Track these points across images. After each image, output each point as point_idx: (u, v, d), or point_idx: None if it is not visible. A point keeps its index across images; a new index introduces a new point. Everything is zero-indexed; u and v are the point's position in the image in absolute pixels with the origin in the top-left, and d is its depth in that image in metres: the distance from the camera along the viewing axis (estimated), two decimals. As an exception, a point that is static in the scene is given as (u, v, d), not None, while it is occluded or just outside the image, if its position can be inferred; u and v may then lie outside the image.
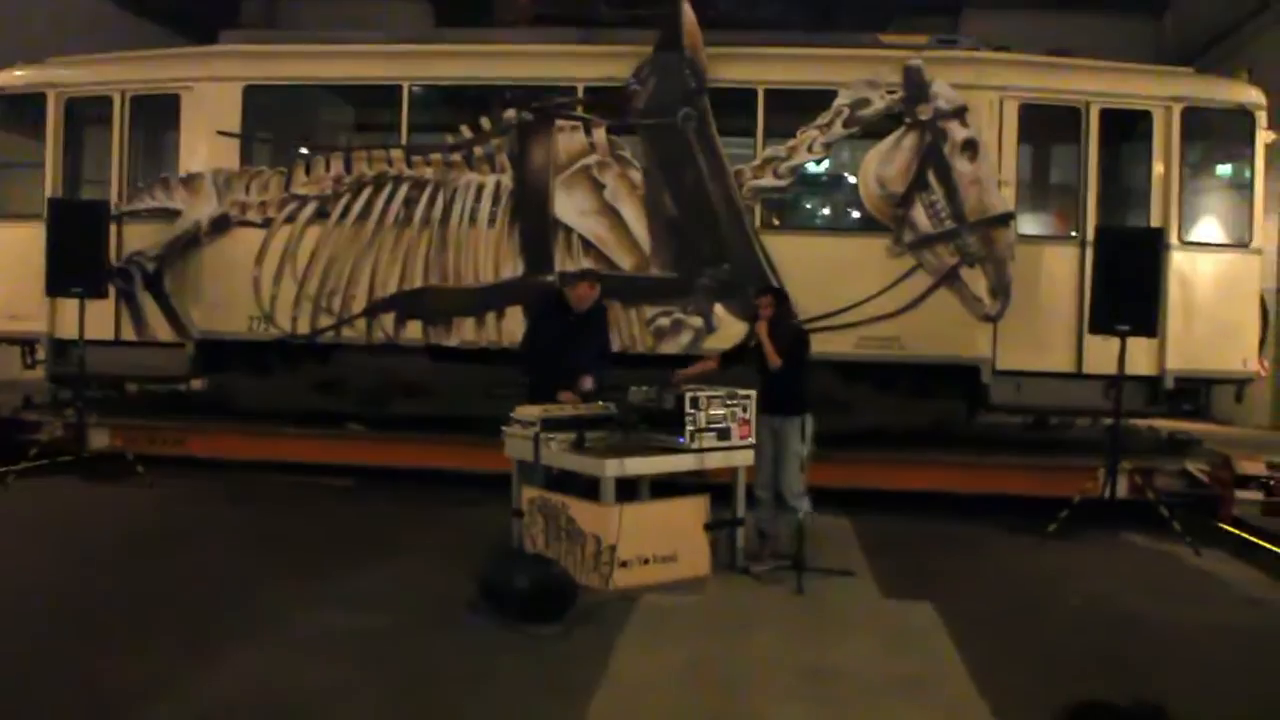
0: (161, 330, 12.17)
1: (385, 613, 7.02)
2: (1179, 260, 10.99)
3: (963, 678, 6.09)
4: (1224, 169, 12.33)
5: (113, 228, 11.92)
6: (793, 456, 8.47)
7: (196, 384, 13.39)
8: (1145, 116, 11.18)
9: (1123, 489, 10.03)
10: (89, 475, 11.12)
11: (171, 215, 12.06)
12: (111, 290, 11.86)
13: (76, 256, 11.23)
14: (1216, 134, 11.72)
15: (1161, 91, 11.19)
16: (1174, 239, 10.98)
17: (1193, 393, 11.72)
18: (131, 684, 5.69)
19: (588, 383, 8.74)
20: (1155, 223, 10.99)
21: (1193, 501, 10.45)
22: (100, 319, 11.81)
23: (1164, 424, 12.38)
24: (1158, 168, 11.12)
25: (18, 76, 12.66)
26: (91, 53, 12.91)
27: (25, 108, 12.58)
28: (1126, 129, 11.53)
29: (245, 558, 8.54)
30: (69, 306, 11.58)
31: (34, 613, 7.02)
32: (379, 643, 6.47)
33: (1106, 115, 11.16)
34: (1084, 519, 9.70)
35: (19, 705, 5.42)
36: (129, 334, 12.23)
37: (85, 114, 12.69)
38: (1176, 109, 11.07)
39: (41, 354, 12.57)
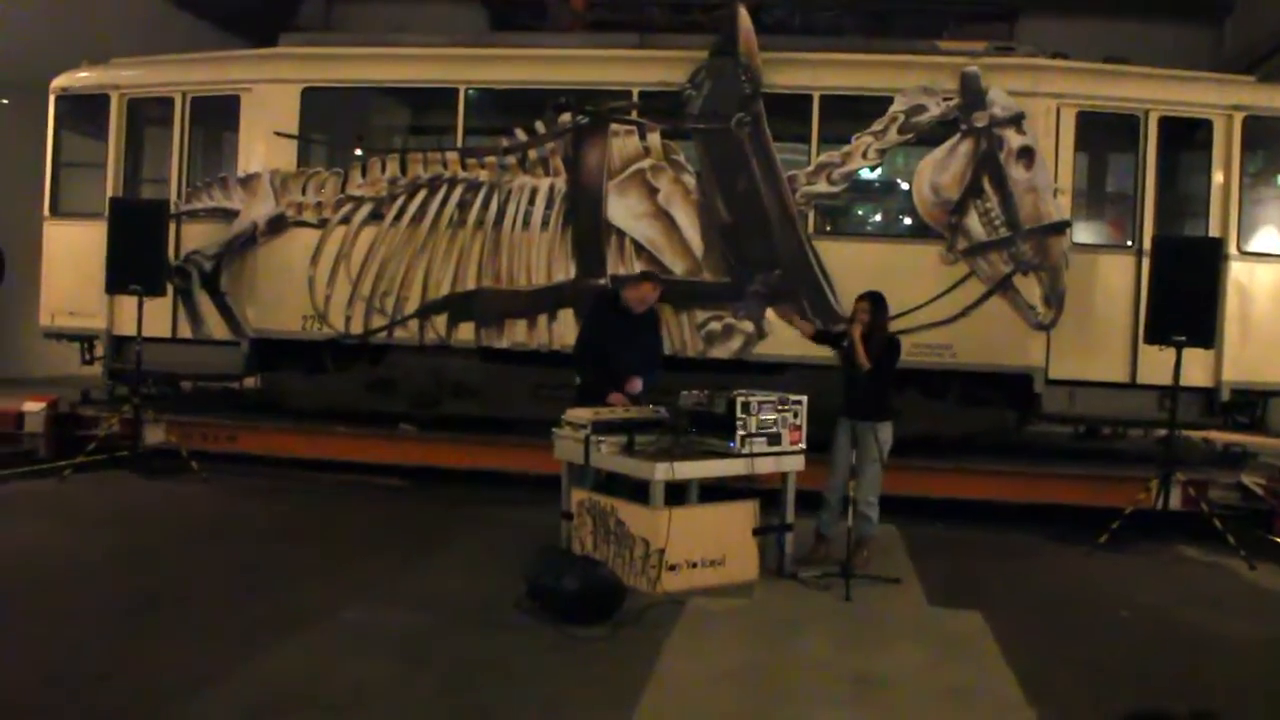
0: (217, 328, 12.33)
1: (433, 610, 7.09)
2: (1237, 270, 10.85)
3: (1011, 686, 6.05)
4: (1285, 179, 12.18)
5: (172, 227, 12.09)
6: (871, 463, 8.47)
7: (250, 382, 13.53)
8: (1205, 125, 11.05)
9: (1176, 501, 9.95)
10: (144, 470, 11.31)
11: (229, 215, 12.22)
12: (169, 288, 12.03)
13: (136, 255, 11.39)
14: (1278, 142, 11.55)
15: (1222, 100, 11.05)
16: (1233, 249, 10.84)
17: (1249, 405, 11.53)
18: (182, 675, 5.78)
19: (636, 385, 8.77)
20: (1214, 232, 10.85)
21: (1247, 515, 10.32)
22: (158, 317, 12.01)
23: (1219, 436, 12.24)
24: (1217, 177, 10.99)
25: (81, 77, 12.88)
26: (150, 54, 13.09)
27: (88, 108, 12.80)
28: (1185, 137, 11.38)
29: (295, 553, 8.66)
30: (128, 304, 11.77)
31: (88, 604, 7.14)
32: (426, 639, 6.54)
33: (1165, 123, 11.05)
34: (1136, 530, 9.62)
35: (72, 695, 5.52)
36: (185, 332, 12.40)
37: (146, 114, 12.89)
38: (1237, 117, 10.93)
39: (100, 350, 12.77)
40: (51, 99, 12.90)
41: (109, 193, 12.43)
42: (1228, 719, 4.82)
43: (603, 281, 11.30)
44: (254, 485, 11.26)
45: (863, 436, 8.46)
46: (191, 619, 6.85)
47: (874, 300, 8.69)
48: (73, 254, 12.58)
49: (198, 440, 11.84)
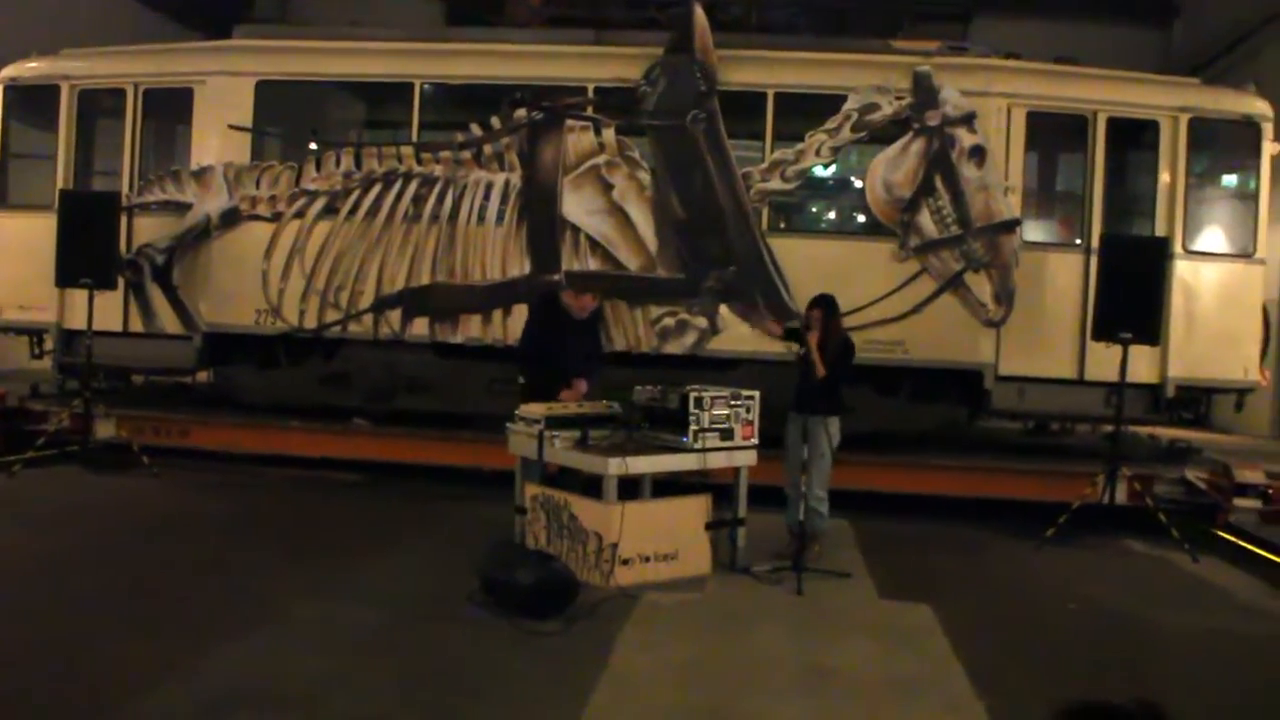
0: (169, 322, 12.23)
1: (387, 605, 7.10)
2: (1183, 269, 11.04)
3: (960, 678, 6.14)
4: (1229, 179, 12.37)
5: (123, 219, 11.99)
6: (820, 458, 8.55)
7: (203, 376, 13.44)
8: (1152, 126, 11.23)
9: (1122, 495, 10.09)
10: (95, 465, 11.21)
11: (182, 208, 12.13)
12: (121, 282, 11.92)
13: (87, 248, 11.29)
14: (1222, 145, 11.74)
15: (1168, 101, 11.23)
16: (1178, 248, 11.02)
17: (1193, 401, 11.73)
18: (133, 671, 5.76)
19: (582, 386, 8.87)
20: (1160, 232, 11.03)
21: (1191, 509, 10.50)
22: (109, 310, 11.92)
23: (1164, 432, 12.44)
24: (1163, 177, 11.17)
25: (31, 68, 12.73)
26: (101, 45, 12.96)
27: (38, 99, 12.65)
28: (1133, 138, 11.55)
29: (248, 549, 8.62)
30: (78, 297, 11.66)
31: (38, 600, 7.09)
32: (380, 635, 6.56)
33: (1113, 124, 11.21)
34: (1083, 525, 9.75)
35: (22, 691, 5.49)
36: (137, 326, 12.30)
37: (98, 106, 12.75)
38: (1183, 119, 11.11)
39: (49, 344, 12.62)
40: (0, 89, 12.73)
41: (59, 185, 12.30)
42: (1172, 709, 4.91)
43: (557, 277, 11.32)
44: (206, 481, 11.20)
45: (813, 431, 8.52)
46: (146, 615, 6.81)
47: (826, 306, 8.76)
48: (22, 247, 12.43)
49: (149, 435, 11.75)
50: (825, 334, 8.59)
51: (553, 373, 8.81)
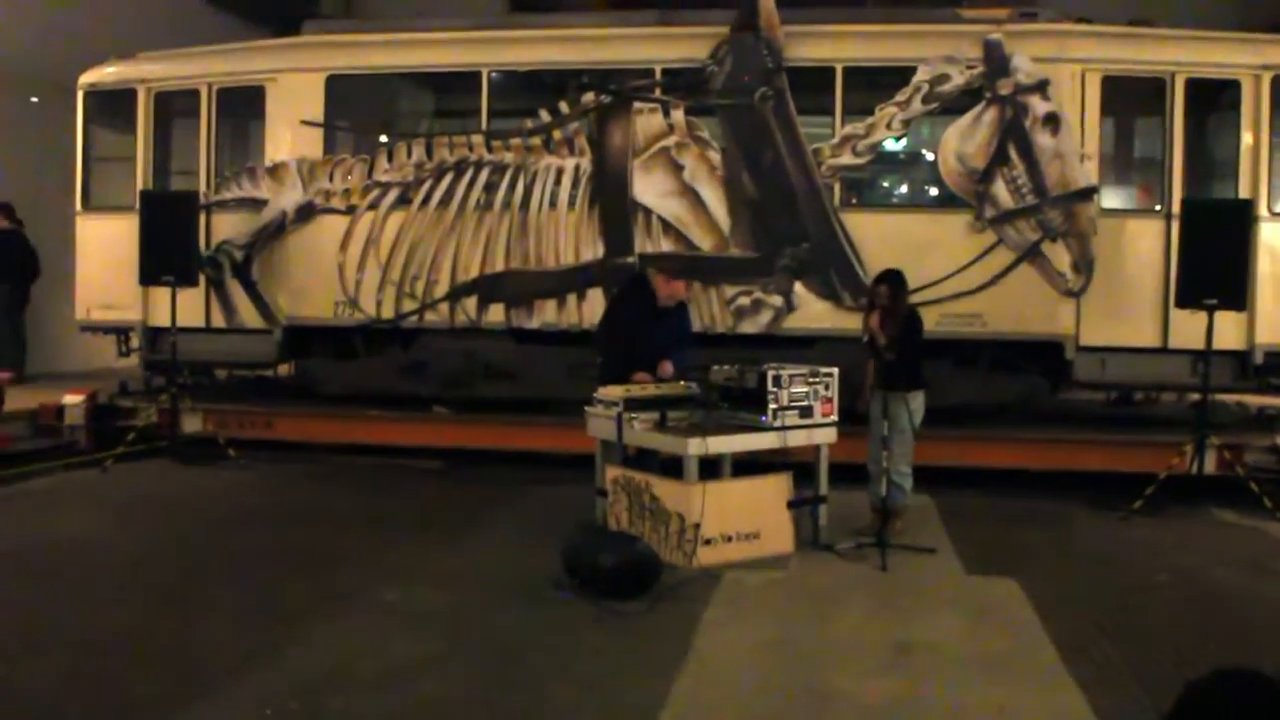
0: (250, 317, 12.44)
1: (472, 589, 7.19)
2: (1268, 232, 10.76)
3: (1049, 652, 6.07)
4: (1316, 137, 12.06)
5: (202, 217, 12.20)
6: (900, 433, 8.49)
7: (284, 369, 13.65)
8: (1233, 85, 10.96)
9: (1211, 465, 9.90)
10: (183, 459, 11.45)
11: (258, 204, 12.32)
12: (201, 279, 12.14)
13: (168, 246, 11.51)
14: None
15: (1249, 59, 10.95)
16: (1263, 210, 10.74)
17: (1284, 367, 11.47)
18: (230, 655, 5.89)
19: (667, 369, 8.81)
20: (1243, 194, 10.77)
21: (1284, 478, 10.28)
22: (191, 307, 12.15)
23: (1253, 400, 12.18)
24: (1246, 138, 10.89)
25: (109, 73, 12.98)
26: (175, 47, 13.18)
27: (116, 103, 12.91)
28: (1213, 99, 11.30)
29: (334, 536, 8.74)
30: (161, 295, 11.90)
31: (133, 590, 7.27)
32: (465, 618, 6.63)
33: (1192, 85, 10.96)
34: (1171, 496, 9.60)
35: (121, 677, 5.64)
36: (219, 321, 12.53)
37: (174, 107, 12.99)
38: (1266, 77, 10.81)
39: (136, 342, 12.91)
40: (80, 95, 12.99)
41: (139, 186, 12.54)
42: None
43: (631, 260, 11.34)
44: (291, 471, 11.38)
45: (893, 407, 8.47)
46: (237, 602, 6.95)
47: (892, 282, 8.68)
48: (106, 247, 12.71)
49: (234, 428, 11.95)
50: (891, 309, 8.51)
51: (634, 358, 8.75)
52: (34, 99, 15.39)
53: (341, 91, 12.35)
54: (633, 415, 8.12)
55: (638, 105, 11.48)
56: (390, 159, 12.03)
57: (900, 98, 11.06)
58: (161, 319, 12.04)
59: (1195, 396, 10.63)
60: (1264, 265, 10.67)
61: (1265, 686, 2.14)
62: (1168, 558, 8.33)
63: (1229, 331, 10.44)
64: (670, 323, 9.06)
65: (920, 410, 8.59)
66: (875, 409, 8.63)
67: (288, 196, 12.22)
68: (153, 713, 5.13)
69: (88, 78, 12.99)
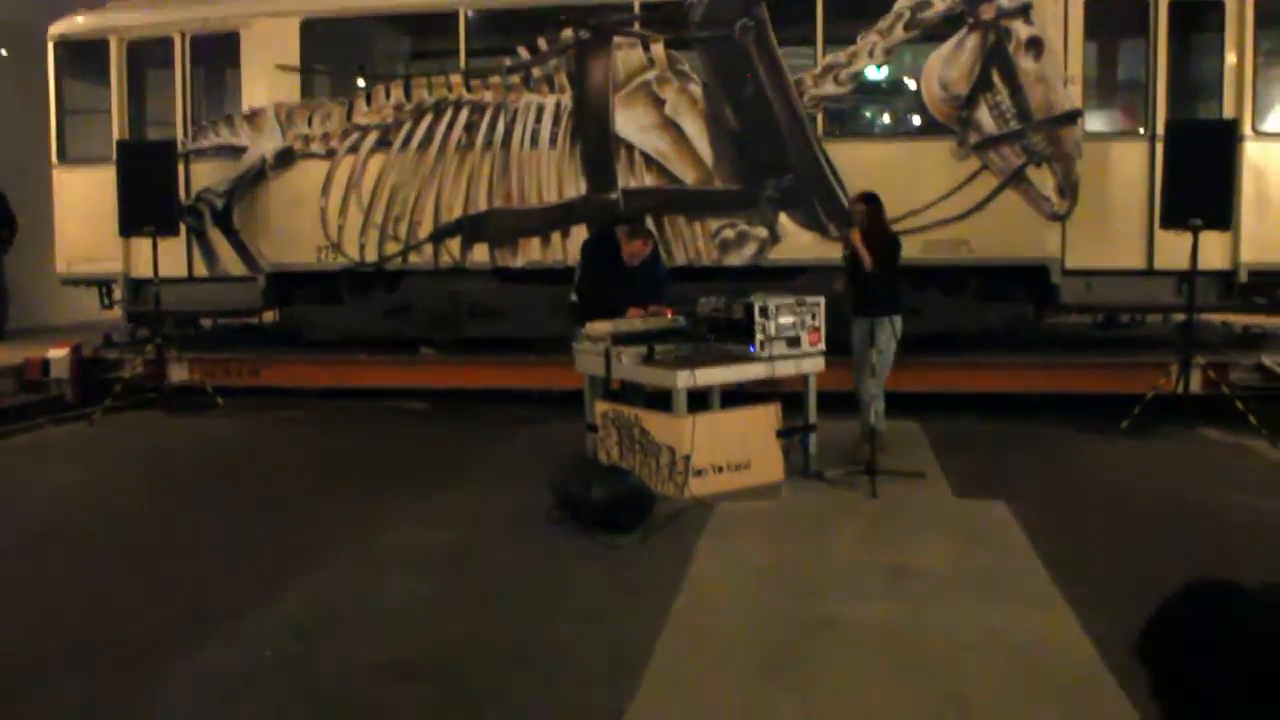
0: (233, 265, 12.39)
1: (465, 527, 7.20)
2: (1253, 151, 10.72)
3: (1040, 571, 6.11)
4: (1300, 55, 12.00)
5: (180, 166, 12.10)
6: (879, 355, 8.49)
7: (269, 316, 13.61)
8: (1216, 5, 10.87)
9: (1196, 384, 9.94)
10: (171, 409, 11.45)
11: (237, 151, 12.23)
12: (182, 228, 12.07)
13: (147, 197, 11.44)
14: (1293, 18, 11.40)
15: (1233, -22, 10.88)
16: (1247, 130, 10.70)
17: (1267, 286, 11.48)
18: (229, 599, 5.90)
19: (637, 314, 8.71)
20: (1228, 114, 10.73)
21: (1268, 395, 10.31)
22: (173, 257, 12.09)
23: (1238, 318, 12.21)
24: (1230, 58, 10.82)
25: (79, 23, 12.82)
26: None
27: (88, 54, 12.75)
28: (1196, 19, 11.21)
29: (326, 481, 8.76)
30: (143, 246, 11.85)
31: (126, 539, 7.29)
32: (460, 555, 6.65)
33: (1176, 6, 10.86)
34: (1158, 416, 9.65)
35: (121, 623, 5.66)
36: (201, 270, 12.49)
37: (147, 56, 12.83)
38: (1249, -6, 10.77)
39: (118, 294, 12.86)
40: (50, 46, 12.83)
41: (115, 137, 12.42)
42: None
43: (614, 196, 11.31)
44: (280, 417, 11.36)
45: (879, 332, 8.47)
46: (231, 548, 6.97)
47: (870, 201, 8.66)
48: (85, 200, 12.62)
49: (221, 376, 11.94)
50: (871, 229, 8.50)
51: (609, 310, 8.60)
52: (2, 51, 15.20)
53: (317, 35, 12.22)
54: (620, 349, 8.11)
55: (617, 40, 11.38)
56: (369, 102, 11.93)
57: (882, 25, 10.96)
58: (143, 270, 11.99)
59: (1181, 317, 10.65)
60: (1248, 184, 10.65)
61: (1237, 595, 2.14)
62: (1155, 477, 8.40)
63: (1213, 251, 10.44)
64: (642, 272, 8.97)
65: (899, 332, 8.58)
66: (859, 334, 8.62)
67: (266, 143, 12.12)
68: (152, 656, 5.14)
69: (58, 29, 12.83)
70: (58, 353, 12.10)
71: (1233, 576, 2.25)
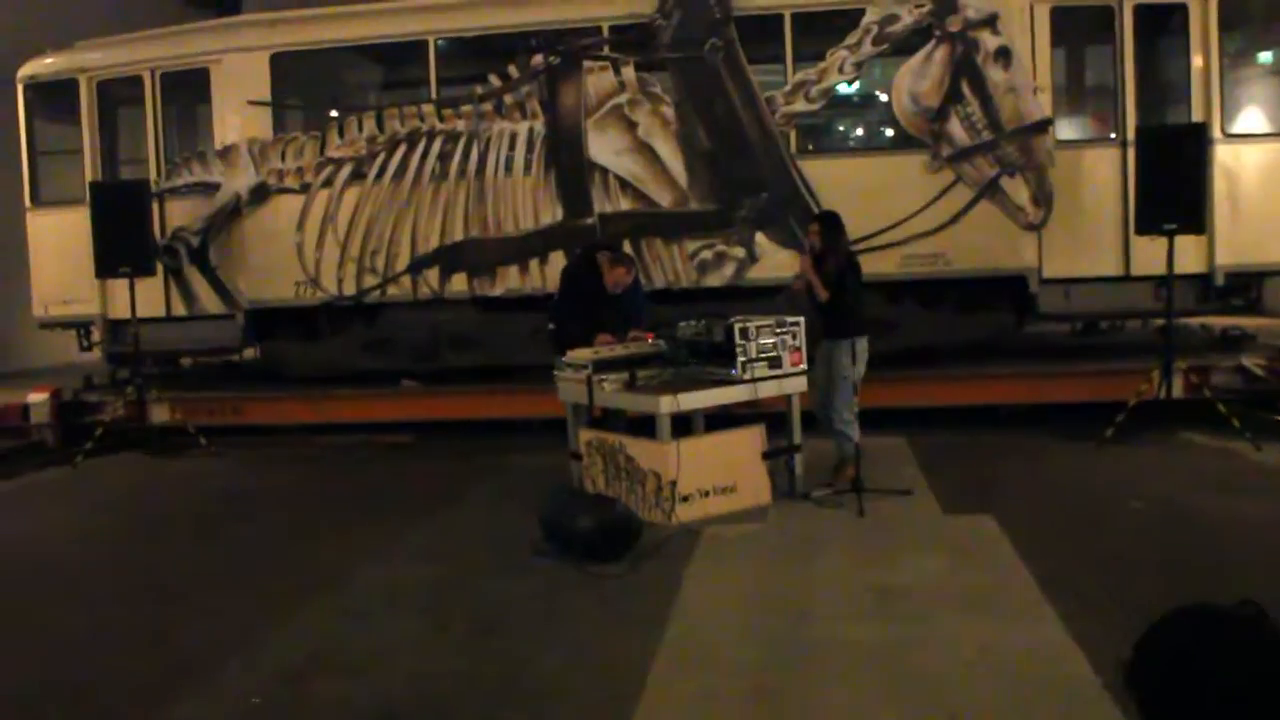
0: (211, 303, 12.35)
1: (452, 561, 7.16)
2: (1223, 154, 10.80)
3: (1030, 586, 6.10)
4: (1266, 56, 12.08)
5: (155, 205, 12.04)
6: (840, 380, 8.42)
7: (249, 353, 13.56)
8: (1180, 9, 10.95)
9: (1178, 389, 9.97)
10: (153, 450, 11.37)
11: (211, 188, 12.19)
12: (159, 268, 12.01)
13: (122, 237, 11.38)
14: (1256, 20, 11.50)
15: (1196, -19, 10.96)
16: (1217, 132, 10.77)
17: (1244, 287, 11.54)
18: (213, 645, 5.84)
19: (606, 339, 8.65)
20: (1197, 117, 10.78)
21: (1250, 397, 10.35)
22: (151, 297, 12.02)
23: (1217, 321, 12.26)
24: (1196, 61, 10.89)
25: (48, 64, 12.76)
26: (117, 33, 12.97)
27: (58, 94, 12.69)
28: (1162, 23, 11.29)
29: (309, 517, 8.73)
30: (119, 287, 11.78)
31: (112, 584, 7.23)
32: (448, 591, 6.60)
33: (1140, 11, 10.93)
34: (1141, 422, 9.67)
35: (102, 668, 5.61)
36: (180, 309, 12.43)
37: (117, 95, 12.80)
38: (1213, -1, 10.85)
39: (97, 335, 12.78)
40: (19, 89, 12.78)
41: (88, 177, 12.37)
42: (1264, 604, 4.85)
43: (590, 221, 11.31)
44: (263, 455, 11.32)
45: (830, 354, 8.38)
46: (217, 590, 6.91)
47: (825, 221, 8.60)
48: (59, 242, 12.56)
49: (203, 415, 11.86)
50: (826, 252, 8.43)
51: (588, 338, 8.58)
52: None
53: (287, 69, 12.21)
54: (602, 377, 8.09)
55: (588, 64, 11.39)
56: (341, 134, 11.91)
57: (850, 41, 11.01)
58: (121, 311, 11.93)
59: (1160, 322, 10.68)
60: (1220, 187, 10.73)
61: (1219, 621, 2.17)
62: (1141, 484, 8.39)
63: (1189, 255, 10.49)
64: (623, 298, 8.94)
65: (864, 354, 8.45)
66: (819, 357, 8.48)
67: (240, 179, 12.09)
68: (140, 705, 5.09)
69: (26, 70, 12.77)
70: (37, 397, 12.04)
71: (1222, 584, 2.24)
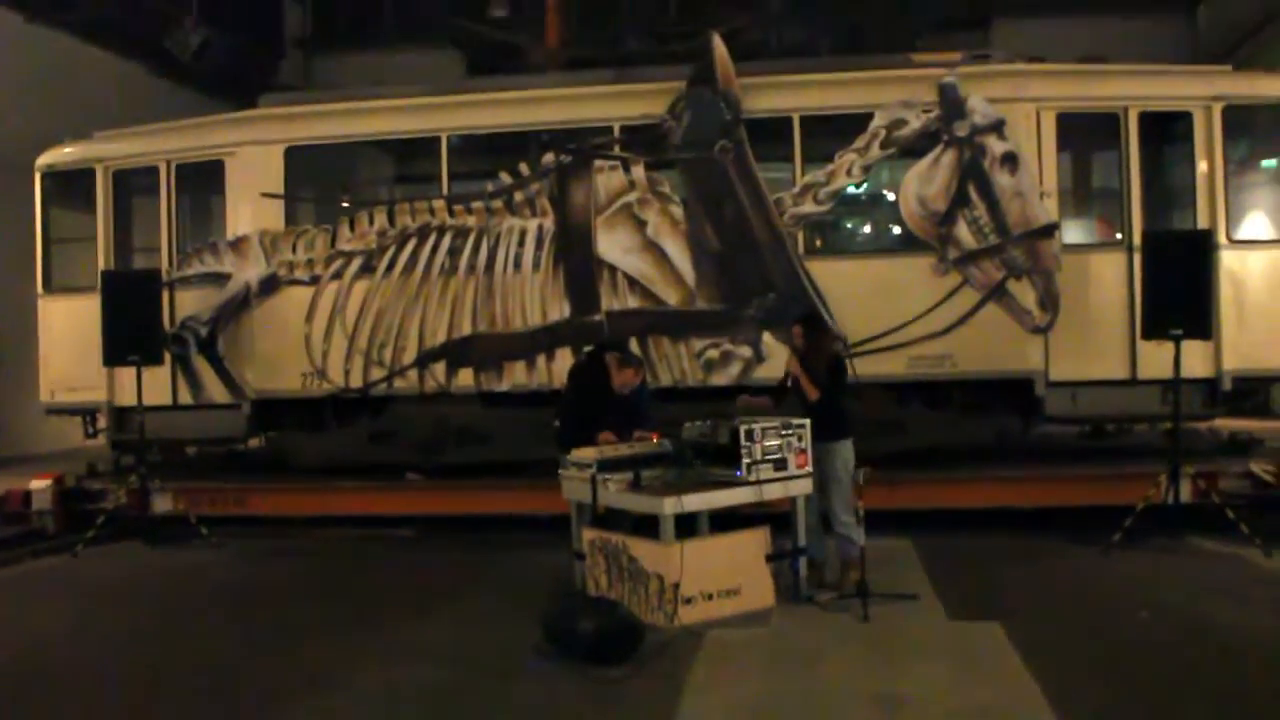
0: (217, 392, 12.36)
1: (452, 663, 7.06)
2: (1229, 259, 10.87)
3: (1037, 700, 6.01)
4: (1269, 163, 12.19)
5: (165, 295, 12.11)
6: (836, 483, 8.42)
7: (254, 443, 13.54)
8: (1185, 117, 11.10)
9: (1186, 493, 9.91)
10: (154, 540, 11.27)
11: (221, 279, 12.26)
12: (167, 356, 12.04)
13: (131, 325, 11.40)
14: (1260, 129, 11.61)
15: (1200, 91, 11.09)
16: (1222, 238, 10.86)
17: (1252, 392, 11.52)
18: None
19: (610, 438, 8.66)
20: (1202, 223, 10.88)
21: (1259, 502, 10.27)
22: (158, 385, 12.04)
23: (1225, 423, 12.21)
24: (1201, 167, 11.02)
25: (66, 154, 12.95)
26: (133, 125, 13.15)
27: (75, 183, 12.88)
28: (1167, 131, 11.44)
29: (310, 614, 8.63)
30: (127, 375, 11.80)
31: (107, 680, 7.13)
32: (447, 694, 6.51)
33: (1146, 118, 11.10)
34: (1149, 526, 9.59)
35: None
36: (186, 398, 12.44)
37: (133, 185, 12.94)
38: (1217, 108, 10.97)
39: (103, 422, 12.78)
40: (37, 177, 12.95)
41: (101, 265, 12.47)
42: None
43: (598, 318, 11.34)
44: (265, 547, 11.24)
45: (824, 457, 8.38)
46: (213, 688, 6.84)
47: (808, 323, 8.69)
48: (69, 329, 12.63)
49: (206, 505, 11.79)
50: (810, 353, 8.49)
51: (592, 439, 8.59)
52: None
53: (301, 163, 12.34)
54: (606, 476, 8.06)
55: (598, 163, 11.51)
56: (352, 228, 12.00)
57: (859, 144, 11.14)
58: (128, 398, 11.92)
59: (1167, 426, 10.64)
60: (1226, 292, 10.78)
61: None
62: (1150, 592, 8.30)
63: (1196, 359, 10.52)
64: (630, 398, 8.96)
65: (850, 458, 8.46)
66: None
67: (251, 270, 12.16)
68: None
69: (45, 159, 12.95)
70: (40, 484, 11.98)
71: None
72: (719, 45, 11.29)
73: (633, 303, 11.38)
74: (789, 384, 8.63)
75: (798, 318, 8.87)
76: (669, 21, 21.74)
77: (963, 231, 10.97)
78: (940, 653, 6.98)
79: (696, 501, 7.95)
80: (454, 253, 11.72)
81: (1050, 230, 10.91)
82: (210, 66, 18.53)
